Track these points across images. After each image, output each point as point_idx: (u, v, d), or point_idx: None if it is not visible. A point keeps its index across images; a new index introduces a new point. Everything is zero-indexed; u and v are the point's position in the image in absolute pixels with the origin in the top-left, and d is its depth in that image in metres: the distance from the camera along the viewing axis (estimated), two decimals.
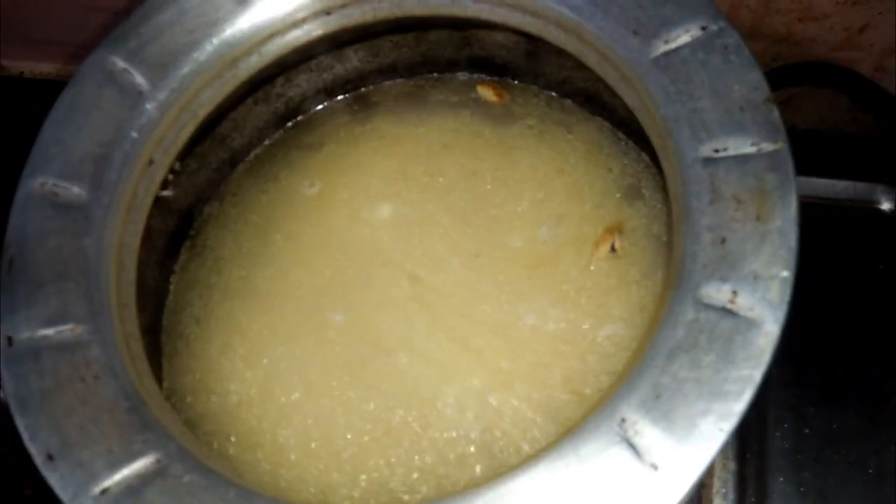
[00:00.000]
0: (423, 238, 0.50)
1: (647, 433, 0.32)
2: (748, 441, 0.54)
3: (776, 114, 0.36)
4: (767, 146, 0.35)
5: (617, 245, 0.46)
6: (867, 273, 0.59)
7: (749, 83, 0.37)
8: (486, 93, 0.55)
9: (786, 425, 0.55)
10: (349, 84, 0.58)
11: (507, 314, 0.46)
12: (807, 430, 0.55)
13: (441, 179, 0.52)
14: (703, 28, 0.39)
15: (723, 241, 0.34)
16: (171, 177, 0.48)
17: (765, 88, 0.37)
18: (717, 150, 0.36)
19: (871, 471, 0.52)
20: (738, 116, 0.36)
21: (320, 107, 0.58)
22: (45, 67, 0.85)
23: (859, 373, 0.56)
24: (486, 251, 0.49)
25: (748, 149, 0.36)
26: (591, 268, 0.46)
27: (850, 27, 0.67)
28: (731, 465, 0.54)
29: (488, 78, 0.57)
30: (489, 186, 0.51)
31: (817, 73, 0.71)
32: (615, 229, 0.47)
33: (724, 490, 0.53)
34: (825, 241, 0.60)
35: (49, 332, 0.37)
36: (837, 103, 0.75)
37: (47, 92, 0.79)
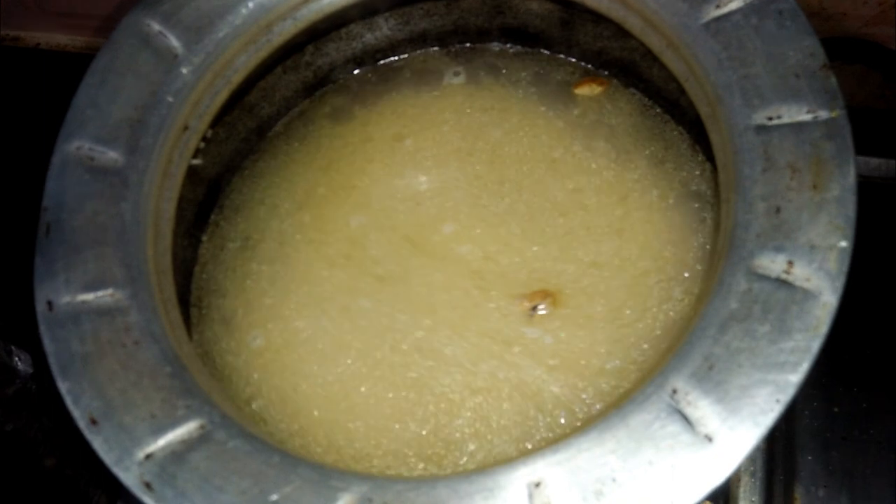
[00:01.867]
0: (458, 205, 0.49)
1: (700, 404, 0.31)
2: (777, 419, 0.54)
3: (833, 81, 0.35)
4: (824, 114, 0.35)
5: None
6: None
7: (805, 49, 0.36)
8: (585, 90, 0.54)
9: (815, 404, 0.54)
10: (379, 53, 0.57)
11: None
12: (836, 410, 0.54)
13: (474, 149, 0.51)
14: None
15: (777, 210, 0.34)
16: (201, 145, 0.48)
17: (821, 55, 0.36)
18: (770, 118, 0.35)
19: None
20: (794, 83, 0.36)
21: (349, 76, 0.57)
22: (61, 39, 0.84)
23: (889, 353, 0.55)
24: (523, 215, 0.48)
25: (804, 116, 0.35)
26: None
27: (884, 2, 0.66)
28: (761, 443, 0.54)
29: (546, 53, 0.55)
30: (521, 159, 0.51)
31: (849, 49, 0.70)
32: None
33: (752, 468, 0.53)
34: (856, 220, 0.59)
35: (88, 296, 0.37)
36: (868, 80, 0.74)
37: (63, 63, 0.79)
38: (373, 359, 0.45)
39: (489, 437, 0.42)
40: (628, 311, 0.44)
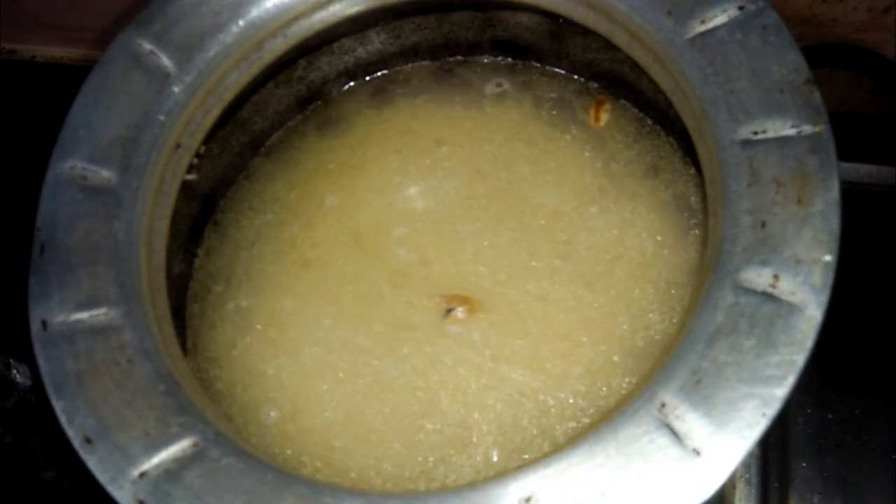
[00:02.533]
0: (453, 222, 0.49)
1: (688, 418, 0.31)
2: (771, 426, 0.54)
3: (817, 95, 0.36)
4: (808, 128, 0.35)
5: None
6: (890, 257, 0.58)
7: (789, 64, 0.36)
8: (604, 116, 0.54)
9: (809, 410, 0.55)
10: (371, 67, 0.57)
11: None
12: (829, 416, 0.54)
13: (468, 162, 0.52)
14: (741, 8, 0.38)
15: (763, 224, 0.34)
16: (195, 160, 0.48)
17: (805, 69, 0.36)
18: (755, 133, 0.36)
19: (894, 457, 0.52)
20: (778, 98, 0.36)
21: (341, 90, 0.58)
22: (56, 52, 0.84)
23: (882, 359, 0.55)
24: (517, 224, 0.49)
25: (788, 131, 0.35)
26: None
27: (874, 8, 0.66)
28: (755, 450, 0.54)
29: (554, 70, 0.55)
30: (517, 173, 0.51)
31: (839, 55, 0.70)
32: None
33: (747, 475, 0.53)
34: (846, 226, 0.59)
35: (83, 315, 0.37)
36: (859, 85, 0.74)
37: (58, 76, 0.79)
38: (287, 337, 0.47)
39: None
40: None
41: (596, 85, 0.54)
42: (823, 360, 0.57)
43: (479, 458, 0.42)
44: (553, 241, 0.48)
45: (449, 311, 0.46)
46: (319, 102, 0.57)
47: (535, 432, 0.43)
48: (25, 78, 0.82)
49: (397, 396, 0.44)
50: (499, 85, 0.55)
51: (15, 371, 0.64)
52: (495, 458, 0.42)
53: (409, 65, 0.57)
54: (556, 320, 0.45)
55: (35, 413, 0.63)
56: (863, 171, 0.64)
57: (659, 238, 0.47)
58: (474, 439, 0.43)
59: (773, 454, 0.54)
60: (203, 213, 0.53)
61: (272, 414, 0.45)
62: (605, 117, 0.52)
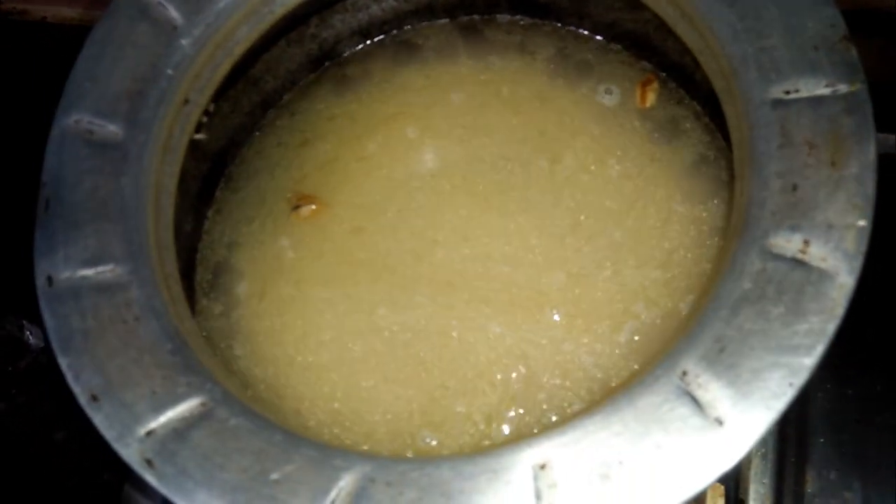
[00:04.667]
0: (467, 184, 0.48)
1: (711, 387, 0.30)
2: (789, 404, 0.53)
3: (853, 53, 0.34)
4: (843, 87, 0.33)
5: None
6: None
7: (824, 19, 0.35)
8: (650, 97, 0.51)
9: (828, 386, 0.53)
10: (385, 25, 0.56)
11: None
12: (849, 392, 0.53)
13: (482, 125, 0.50)
14: None
15: (794, 188, 0.32)
16: (204, 119, 0.47)
17: (841, 25, 0.34)
18: (787, 92, 0.34)
19: None
20: (812, 55, 0.34)
21: (355, 49, 0.56)
22: (67, 12, 0.83)
23: None
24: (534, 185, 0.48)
25: (822, 90, 0.33)
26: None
27: None
28: (772, 426, 0.53)
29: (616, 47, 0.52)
30: (530, 136, 0.50)
31: (870, 22, 0.68)
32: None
33: (763, 450, 0.52)
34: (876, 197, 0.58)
35: (89, 272, 0.36)
36: (890, 54, 0.72)
37: (70, 37, 0.78)
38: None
39: None
40: None
41: (619, 46, 0.52)
42: (844, 335, 0.56)
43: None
44: (567, 204, 0.47)
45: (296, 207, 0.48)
46: (332, 62, 0.56)
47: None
48: (36, 38, 0.81)
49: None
50: (518, 44, 0.53)
51: (28, 332, 0.64)
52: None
53: (425, 22, 0.55)
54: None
55: (47, 374, 0.64)
56: (891, 140, 0.62)
57: (679, 203, 0.46)
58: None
59: (790, 430, 0.53)
60: (213, 173, 0.52)
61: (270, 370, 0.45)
62: (651, 97, 0.49)
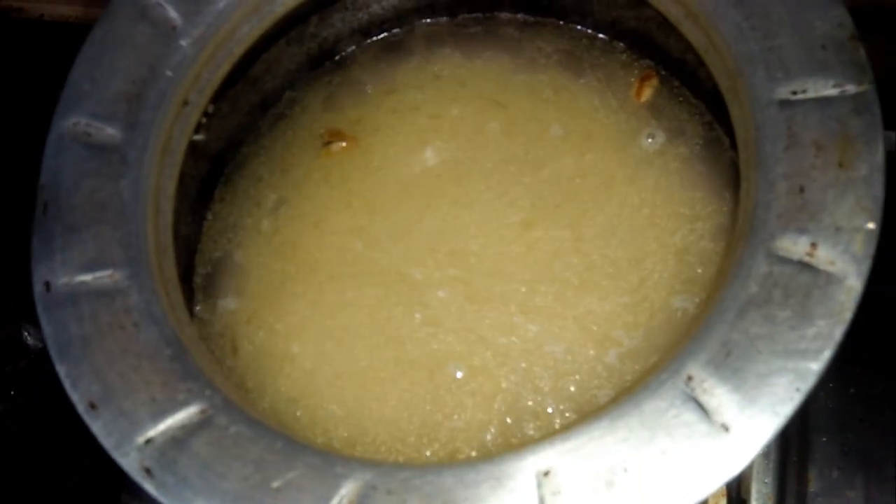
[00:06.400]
0: (467, 181, 0.48)
1: (717, 392, 0.30)
2: (797, 409, 0.53)
3: (862, 53, 0.33)
4: (852, 88, 0.33)
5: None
6: None
7: (832, 19, 0.34)
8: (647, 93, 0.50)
9: (830, 384, 0.53)
10: (385, 24, 0.55)
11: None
12: (852, 391, 0.53)
13: (482, 124, 0.50)
14: None
15: (801, 189, 0.32)
16: (203, 120, 0.46)
17: (849, 25, 0.34)
18: (795, 92, 0.34)
19: None
20: (820, 55, 0.34)
21: (354, 48, 0.56)
22: (64, 10, 0.83)
23: None
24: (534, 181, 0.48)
25: (830, 91, 0.33)
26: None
27: None
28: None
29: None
30: (530, 135, 0.49)
31: (876, 19, 0.67)
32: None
33: (766, 449, 0.52)
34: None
35: (87, 277, 0.36)
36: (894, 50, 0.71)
37: (67, 35, 0.78)
38: None
39: None
40: None
41: (621, 44, 0.51)
42: (848, 334, 0.56)
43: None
44: (568, 204, 0.46)
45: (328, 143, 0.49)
46: (332, 61, 0.55)
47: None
48: (33, 36, 0.81)
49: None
50: (520, 42, 0.53)
51: (26, 334, 0.64)
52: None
53: (426, 21, 0.55)
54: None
55: (46, 375, 0.63)
56: (893, 137, 0.61)
57: (683, 205, 0.45)
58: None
59: (792, 429, 0.52)
60: (212, 174, 0.52)
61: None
62: (647, 93, 0.49)
